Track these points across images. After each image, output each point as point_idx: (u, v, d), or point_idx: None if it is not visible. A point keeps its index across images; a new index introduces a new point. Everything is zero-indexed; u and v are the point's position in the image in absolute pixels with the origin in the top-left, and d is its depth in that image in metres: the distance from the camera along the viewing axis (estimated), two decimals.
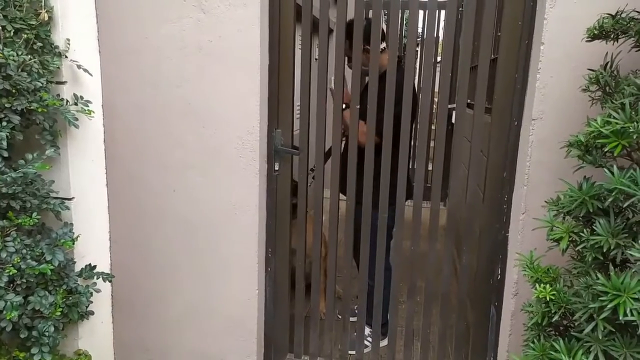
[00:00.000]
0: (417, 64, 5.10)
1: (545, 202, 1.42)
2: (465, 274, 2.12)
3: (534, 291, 1.34)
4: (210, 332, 2.17)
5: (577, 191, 1.26)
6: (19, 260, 1.61)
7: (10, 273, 1.58)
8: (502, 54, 1.89)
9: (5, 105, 1.61)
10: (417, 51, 5.07)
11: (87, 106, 1.86)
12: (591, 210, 1.22)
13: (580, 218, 1.29)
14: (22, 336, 1.67)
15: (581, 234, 1.23)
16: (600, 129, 1.16)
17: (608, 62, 1.37)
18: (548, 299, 1.29)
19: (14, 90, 1.62)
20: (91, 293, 1.91)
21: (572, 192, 1.28)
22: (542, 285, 1.32)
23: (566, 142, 1.41)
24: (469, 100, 2.22)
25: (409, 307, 2.30)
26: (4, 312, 1.56)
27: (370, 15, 2.23)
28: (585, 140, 1.27)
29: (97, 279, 1.95)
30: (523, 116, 1.82)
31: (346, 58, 2.15)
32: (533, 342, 1.33)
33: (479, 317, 2.10)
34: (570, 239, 1.28)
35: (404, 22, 5.07)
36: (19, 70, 1.64)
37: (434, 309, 2.26)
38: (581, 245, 1.22)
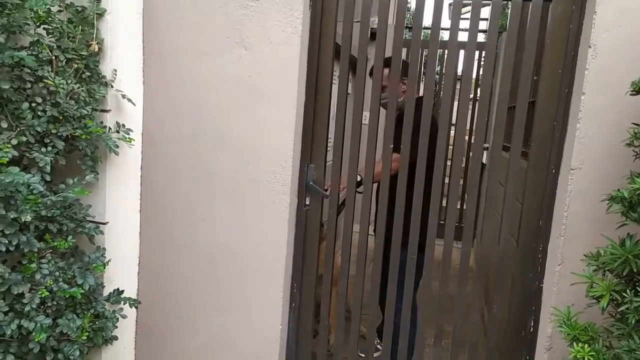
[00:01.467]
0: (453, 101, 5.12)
1: (585, 255, 1.38)
2: (495, 324, 2.05)
3: (570, 350, 1.29)
4: None
5: (620, 248, 1.22)
6: (51, 283, 1.64)
7: (43, 295, 1.60)
8: (540, 100, 1.87)
9: (52, 131, 1.68)
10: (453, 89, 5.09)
11: (128, 134, 1.91)
12: (635, 270, 1.18)
13: (622, 276, 1.25)
14: (47, 358, 1.69)
15: (624, 294, 1.18)
16: None
17: None
18: (586, 359, 1.23)
19: (61, 117, 1.69)
20: (117, 318, 1.92)
21: (614, 248, 1.23)
22: (579, 344, 1.27)
23: (607, 195, 1.37)
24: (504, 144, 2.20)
25: (435, 352, 2.23)
26: (34, 333, 1.58)
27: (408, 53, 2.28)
28: (629, 197, 1.24)
29: (124, 304, 1.96)
30: (561, 165, 1.79)
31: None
32: None
33: None
34: (611, 297, 1.23)
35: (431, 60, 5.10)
36: (68, 98, 1.70)
37: (461, 356, 2.19)
38: (624, 306, 1.17)
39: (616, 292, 1.22)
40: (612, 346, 1.29)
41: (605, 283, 1.25)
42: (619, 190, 1.30)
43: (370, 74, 2.25)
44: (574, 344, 1.28)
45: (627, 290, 1.18)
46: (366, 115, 2.68)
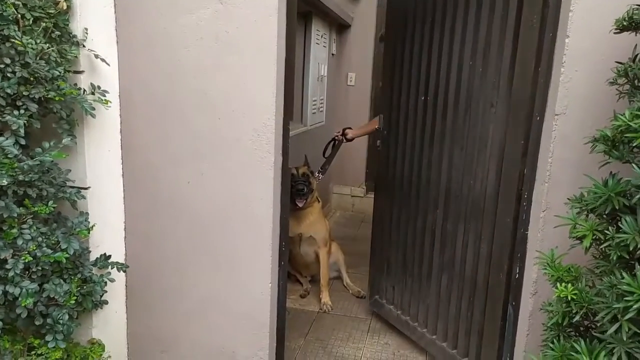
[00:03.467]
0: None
1: (568, 199, 1.38)
2: (482, 272, 2.08)
3: (554, 290, 1.30)
4: (223, 325, 2.16)
5: (603, 187, 1.22)
6: (34, 248, 1.62)
7: (26, 260, 1.58)
8: (521, 46, 1.85)
9: (24, 93, 1.62)
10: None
11: (104, 96, 1.86)
12: (617, 208, 1.18)
13: (604, 216, 1.25)
14: (37, 323, 1.68)
15: (606, 231, 1.19)
16: (629, 123, 1.12)
17: (638, 55, 1.32)
18: (569, 298, 1.25)
19: (32, 79, 1.63)
20: (105, 282, 1.91)
21: (597, 188, 1.23)
22: (563, 284, 1.28)
23: (591, 137, 1.36)
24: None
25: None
26: (20, 299, 1.57)
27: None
28: (612, 135, 1.23)
29: (112, 268, 1.95)
30: (546, 111, 1.77)
31: None
32: (552, 342, 1.30)
33: (495, 315, 2.06)
34: (593, 237, 1.24)
35: None
36: (37, 58, 1.64)
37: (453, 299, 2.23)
38: (606, 244, 1.18)
39: (599, 232, 1.22)
40: (595, 285, 1.31)
41: (588, 223, 1.25)
42: (602, 130, 1.29)
43: (381, 40, 2.27)
44: (558, 284, 1.29)
45: (609, 228, 1.19)
46: (352, 76, 2.63)
